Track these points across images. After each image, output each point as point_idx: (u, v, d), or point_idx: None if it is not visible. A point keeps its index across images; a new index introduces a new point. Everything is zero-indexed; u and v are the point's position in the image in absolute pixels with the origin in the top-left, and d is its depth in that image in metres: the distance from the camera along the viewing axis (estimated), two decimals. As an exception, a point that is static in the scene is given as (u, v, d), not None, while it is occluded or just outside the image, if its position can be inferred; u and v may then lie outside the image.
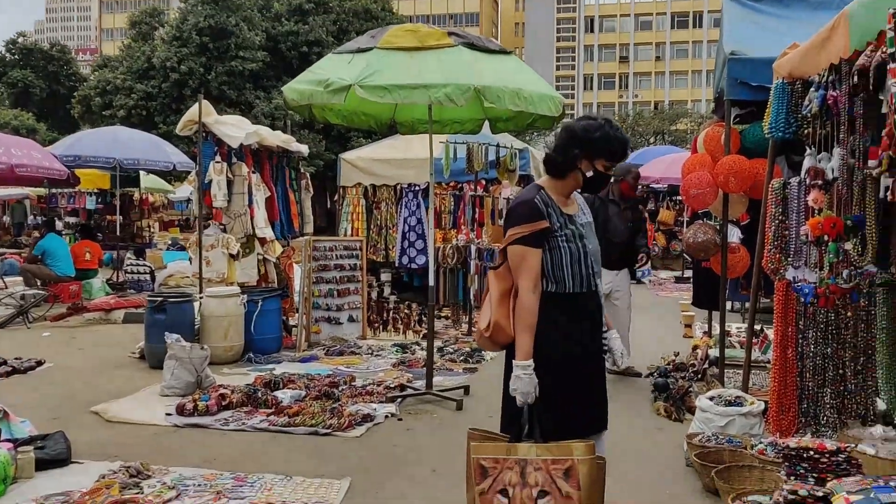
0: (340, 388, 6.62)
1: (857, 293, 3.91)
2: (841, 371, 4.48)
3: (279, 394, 6.34)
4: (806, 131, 4.22)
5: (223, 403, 6.04)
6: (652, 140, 58.43)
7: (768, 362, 6.18)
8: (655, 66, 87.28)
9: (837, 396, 4.42)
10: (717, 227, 6.40)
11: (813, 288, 3.75)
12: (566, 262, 3.13)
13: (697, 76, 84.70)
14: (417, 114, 7.18)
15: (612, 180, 7.36)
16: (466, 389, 6.74)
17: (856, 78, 3.02)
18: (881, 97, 2.88)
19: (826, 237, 3.64)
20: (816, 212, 3.82)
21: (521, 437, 3.05)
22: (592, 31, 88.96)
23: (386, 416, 5.91)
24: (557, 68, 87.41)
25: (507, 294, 3.15)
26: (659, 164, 17.69)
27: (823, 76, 3.68)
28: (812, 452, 3.33)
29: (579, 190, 3.29)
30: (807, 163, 3.82)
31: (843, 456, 3.31)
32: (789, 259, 4.54)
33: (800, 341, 4.64)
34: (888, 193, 3.41)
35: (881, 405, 4.46)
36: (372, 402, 6.21)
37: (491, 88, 5.56)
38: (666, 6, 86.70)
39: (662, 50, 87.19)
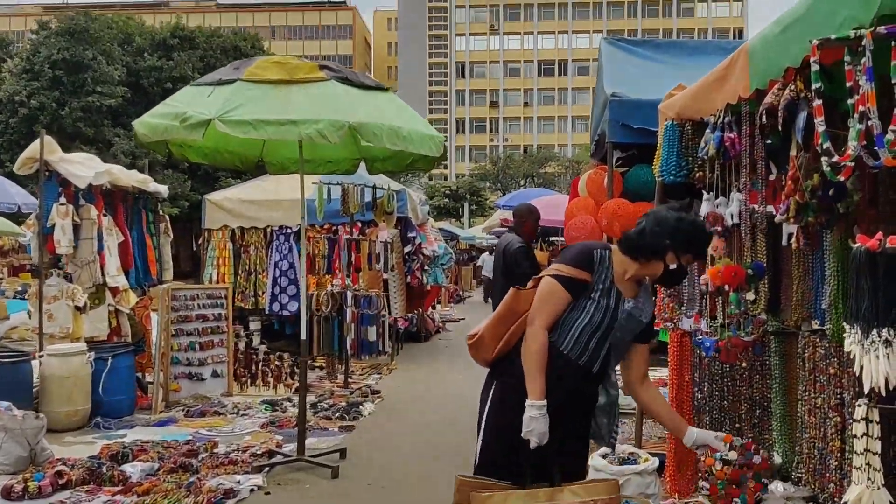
0: (200, 458, 5.89)
1: (760, 346, 3.70)
2: (738, 424, 4.30)
3: (128, 467, 5.55)
4: (698, 174, 4.04)
5: (60, 483, 5.21)
6: (522, 182, 59.96)
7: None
8: (524, 112, 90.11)
9: (735, 452, 4.23)
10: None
11: (714, 342, 3.51)
12: (578, 326, 3.04)
13: (564, 122, 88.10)
14: (287, 152, 6.64)
15: (513, 223, 7.11)
16: (342, 452, 6.17)
17: (764, 118, 2.81)
18: (795, 137, 2.68)
19: (727, 287, 3.41)
20: (715, 259, 3.61)
21: (526, 480, 3.03)
22: (464, 76, 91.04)
23: (251, 490, 5.24)
24: (430, 111, 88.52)
25: (510, 318, 3.13)
26: (533, 206, 17.79)
27: (719, 117, 3.49)
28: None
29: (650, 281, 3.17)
30: (705, 208, 3.60)
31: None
32: (683, 308, 4.33)
33: (695, 394, 4.43)
34: (791, 240, 3.23)
35: (777, 459, 4.29)
36: (236, 472, 5.53)
37: (367, 126, 5.13)
38: (533, 54, 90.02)
39: (531, 96, 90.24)
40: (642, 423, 5.27)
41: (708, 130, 3.54)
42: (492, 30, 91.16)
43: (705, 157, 3.54)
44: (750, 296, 3.45)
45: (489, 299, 20.15)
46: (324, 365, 10.01)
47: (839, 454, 3.27)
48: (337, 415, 7.62)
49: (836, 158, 2.18)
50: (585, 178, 6.75)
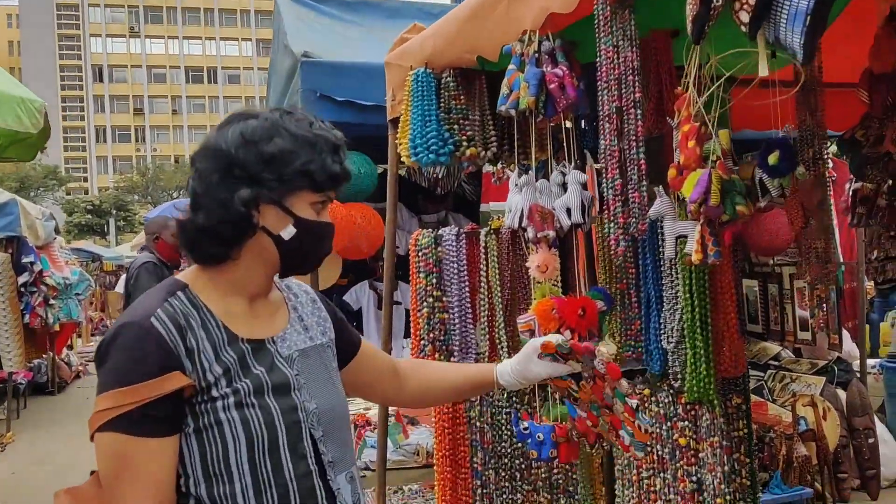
0: None
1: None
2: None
3: None
4: (469, 152, 2.57)
5: None
6: (175, 195, 56.27)
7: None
8: (173, 120, 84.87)
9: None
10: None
11: (550, 430, 2.01)
12: (240, 456, 1.48)
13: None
14: None
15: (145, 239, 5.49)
16: None
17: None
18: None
19: (570, 333, 1.95)
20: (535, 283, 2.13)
21: None
22: (102, 80, 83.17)
23: None
24: (64, 118, 79.33)
25: None
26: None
27: (530, 42, 2.02)
28: None
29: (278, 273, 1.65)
30: (517, 201, 2.08)
31: None
32: (453, 357, 2.83)
33: (475, 487, 2.94)
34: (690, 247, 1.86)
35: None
36: None
37: None
38: (179, 60, 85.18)
39: (179, 103, 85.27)
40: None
41: (512, 66, 2.05)
42: (132, 32, 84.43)
43: (511, 113, 2.03)
44: (606, 346, 2.04)
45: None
46: None
47: None
48: None
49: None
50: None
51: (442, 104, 2.59)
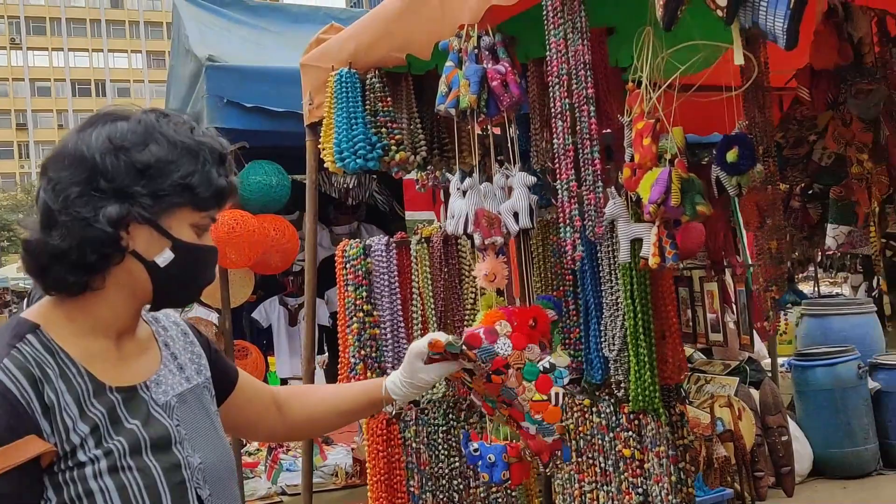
0: None
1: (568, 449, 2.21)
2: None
3: None
4: (399, 156, 2.42)
5: None
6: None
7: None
8: (59, 135, 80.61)
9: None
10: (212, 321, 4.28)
11: (502, 451, 1.88)
12: None
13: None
14: None
15: None
16: None
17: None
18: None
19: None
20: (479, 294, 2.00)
21: None
22: (-21, 94, 78.96)
23: None
24: (-64, 134, 74.75)
25: None
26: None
27: (463, 40, 1.90)
28: None
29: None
30: (460, 205, 1.93)
31: None
32: (387, 373, 2.67)
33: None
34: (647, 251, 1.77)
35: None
36: None
37: None
38: (65, 73, 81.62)
39: (65, 118, 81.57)
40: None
41: (450, 63, 1.92)
42: (13, 43, 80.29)
43: (451, 112, 1.89)
44: (559, 359, 1.92)
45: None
46: None
47: None
48: None
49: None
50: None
51: (367, 106, 2.44)
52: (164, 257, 1.27)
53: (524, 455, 1.86)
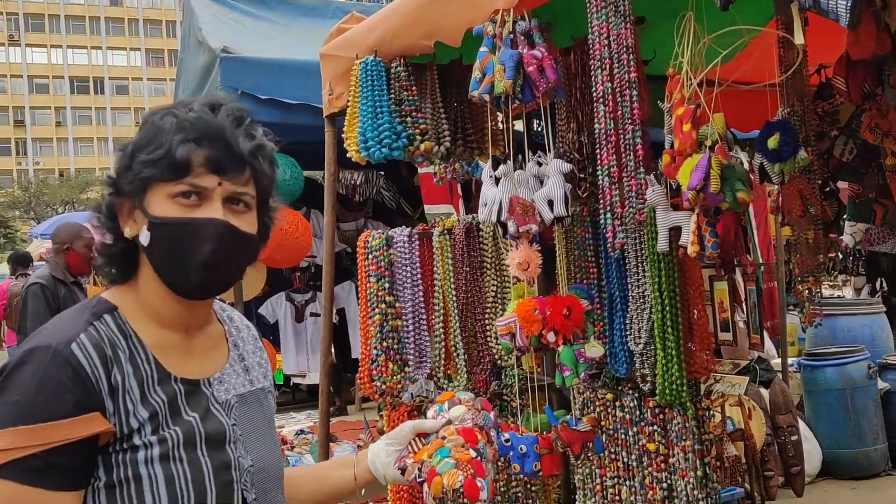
0: None
1: (600, 441, 2.18)
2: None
3: None
4: (424, 146, 2.40)
5: None
6: (61, 210, 53.74)
7: None
8: (57, 132, 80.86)
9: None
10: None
11: (533, 441, 1.85)
12: None
13: (104, 143, 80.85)
14: None
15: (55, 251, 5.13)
16: None
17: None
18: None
19: (553, 336, 1.80)
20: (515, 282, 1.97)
21: None
22: (-23, 90, 78.82)
23: None
24: (-66, 130, 74.60)
25: None
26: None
27: (503, 23, 1.87)
28: None
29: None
30: (493, 193, 1.91)
31: None
32: (409, 371, 2.64)
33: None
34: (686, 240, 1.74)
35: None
36: None
37: None
38: (63, 70, 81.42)
39: (63, 115, 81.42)
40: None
41: (484, 48, 1.89)
42: (11, 40, 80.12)
43: (485, 98, 1.86)
44: (593, 349, 1.89)
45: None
46: None
47: None
48: None
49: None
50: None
51: (392, 95, 2.41)
52: (145, 236, 1.27)
53: (555, 446, 1.84)
